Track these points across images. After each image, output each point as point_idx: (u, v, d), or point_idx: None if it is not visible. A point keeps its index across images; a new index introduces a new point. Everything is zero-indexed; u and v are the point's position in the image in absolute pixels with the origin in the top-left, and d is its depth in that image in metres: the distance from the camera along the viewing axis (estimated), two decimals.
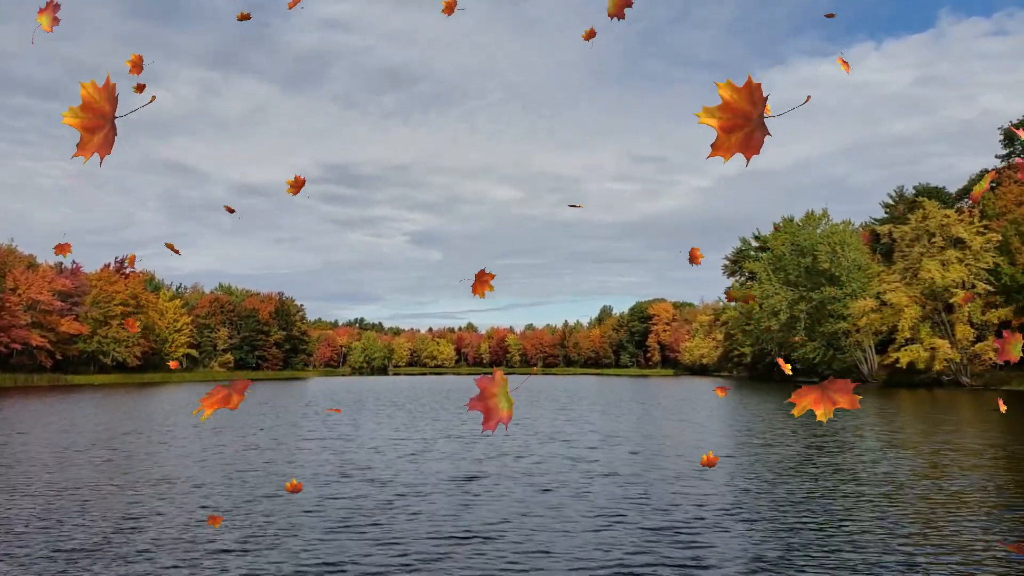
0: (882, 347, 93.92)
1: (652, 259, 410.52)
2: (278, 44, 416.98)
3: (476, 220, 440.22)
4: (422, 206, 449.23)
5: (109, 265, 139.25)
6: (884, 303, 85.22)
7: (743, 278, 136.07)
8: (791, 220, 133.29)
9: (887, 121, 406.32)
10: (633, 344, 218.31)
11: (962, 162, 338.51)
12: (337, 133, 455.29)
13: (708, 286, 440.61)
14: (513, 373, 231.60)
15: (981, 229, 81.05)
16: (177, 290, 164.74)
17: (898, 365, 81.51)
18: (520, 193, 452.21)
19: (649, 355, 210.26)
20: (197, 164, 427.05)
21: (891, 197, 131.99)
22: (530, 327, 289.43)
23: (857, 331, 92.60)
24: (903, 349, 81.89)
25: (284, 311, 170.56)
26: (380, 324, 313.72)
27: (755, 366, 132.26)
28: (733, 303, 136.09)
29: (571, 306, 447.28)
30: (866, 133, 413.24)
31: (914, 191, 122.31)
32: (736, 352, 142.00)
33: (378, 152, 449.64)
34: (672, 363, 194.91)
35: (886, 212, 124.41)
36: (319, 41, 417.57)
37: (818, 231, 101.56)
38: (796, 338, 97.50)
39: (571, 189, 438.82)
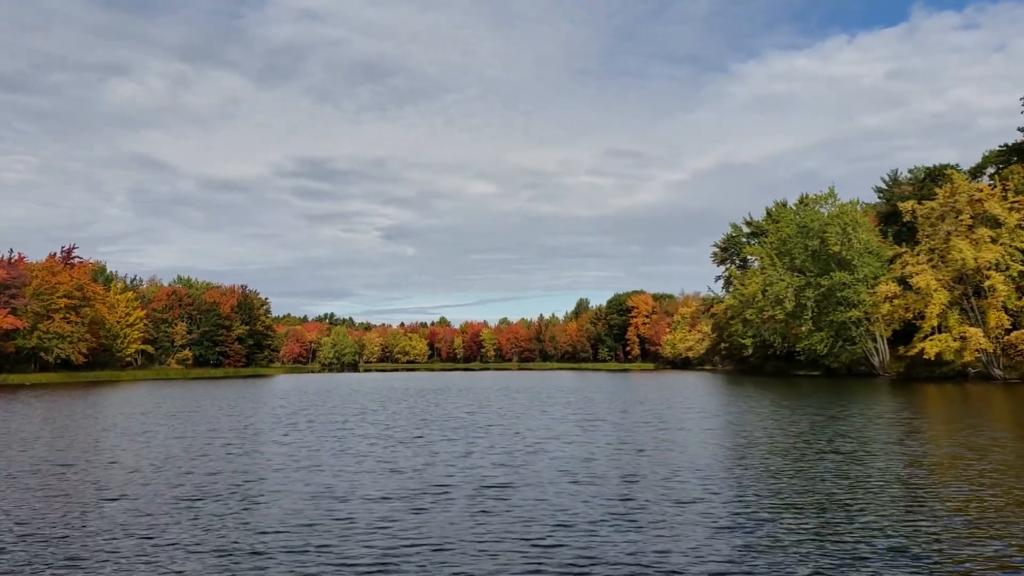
0: (896, 337, 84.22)
1: (626, 254, 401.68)
2: (251, 36, 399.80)
3: (451, 215, 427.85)
4: (396, 201, 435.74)
5: (55, 255, 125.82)
6: (908, 288, 75.39)
7: (733, 265, 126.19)
8: (784, 204, 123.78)
9: (859, 115, 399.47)
10: (611, 338, 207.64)
11: (932, 156, 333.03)
12: (311, 127, 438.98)
13: (684, 280, 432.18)
14: (488, 368, 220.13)
15: (1015, 204, 71.62)
16: (131, 282, 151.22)
17: (925, 356, 71.57)
18: (496, 188, 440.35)
19: (628, 348, 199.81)
20: (167, 158, 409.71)
21: (884, 181, 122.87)
22: (504, 321, 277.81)
23: (868, 319, 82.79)
24: (929, 339, 72.06)
25: (247, 305, 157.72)
26: (351, 319, 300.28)
27: (745, 359, 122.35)
28: (726, 292, 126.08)
29: (544, 301, 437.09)
30: (839, 127, 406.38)
31: (909, 174, 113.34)
32: (725, 345, 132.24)
33: (353, 146, 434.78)
34: (652, 357, 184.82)
35: (880, 197, 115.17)
36: (293, 33, 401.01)
37: (822, 210, 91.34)
38: (803, 328, 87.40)
39: (547, 184, 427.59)
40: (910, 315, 73.53)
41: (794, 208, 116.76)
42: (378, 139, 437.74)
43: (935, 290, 70.99)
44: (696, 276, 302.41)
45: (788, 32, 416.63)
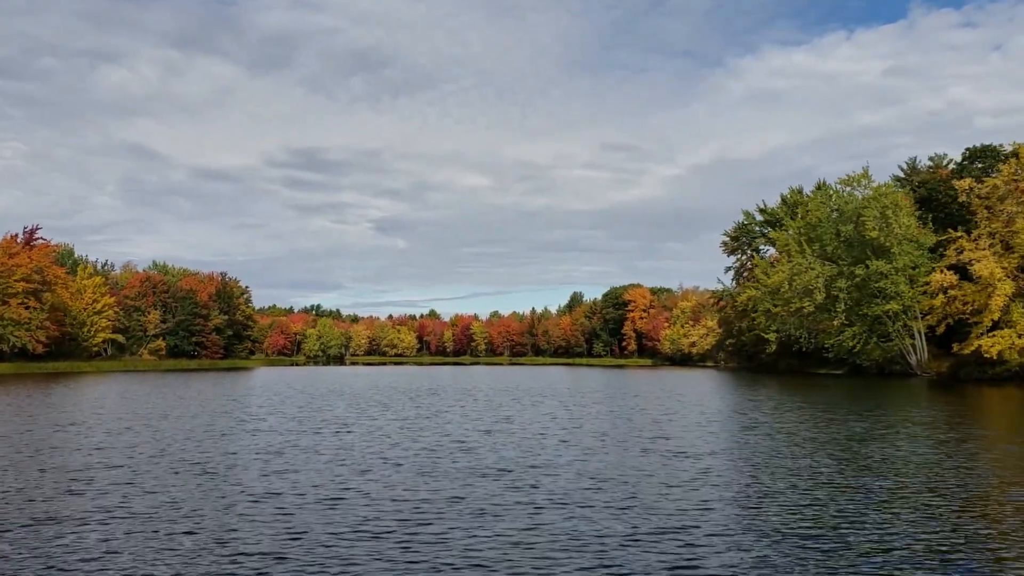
0: (933, 333, 74.45)
1: (619, 248, 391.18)
2: (244, 24, 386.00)
3: (443, 208, 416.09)
4: (388, 193, 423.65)
5: (16, 236, 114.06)
6: (964, 277, 65.37)
7: (744, 256, 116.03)
8: (800, 191, 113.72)
9: (856, 112, 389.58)
10: (607, 332, 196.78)
11: (928, 154, 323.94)
12: (304, 117, 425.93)
13: (679, 276, 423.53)
14: (479, 362, 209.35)
15: None
16: (102, 268, 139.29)
17: (985, 355, 61.51)
18: (489, 181, 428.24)
19: (624, 344, 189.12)
20: (158, 147, 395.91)
21: (903, 169, 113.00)
22: (496, 315, 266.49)
23: (906, 313, 72.84)
24: (991, 335, 62.08)
25: (226, 293, 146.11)
26: (337, 311, 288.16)
27: (754, 355, 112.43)
28: (736, 284, 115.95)
29: (535, 295, 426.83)
30: (836, 124, 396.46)
31: (930, 162, 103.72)
32: (732, 341, 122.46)
33: (345, 137, 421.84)
34: (650, 352, 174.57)
35: (898, 186, 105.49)
36: (286, 21, 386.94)
37: (856, 193, 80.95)
38: (834, 322, 77.08)
39: (542, 177, 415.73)
40: (968, 308, 63.49)
41: (811, 195, 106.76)
42: (371, 130, 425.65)
43: (999, 279, 61.02)
44: (691, 272, 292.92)
45: (787, 28, 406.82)
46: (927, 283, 70.06)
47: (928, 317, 68.23)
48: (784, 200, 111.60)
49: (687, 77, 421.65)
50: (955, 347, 64.97)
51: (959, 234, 65.66)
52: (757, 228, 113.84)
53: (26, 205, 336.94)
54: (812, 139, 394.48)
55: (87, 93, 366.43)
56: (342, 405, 34.45)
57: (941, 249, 73.17)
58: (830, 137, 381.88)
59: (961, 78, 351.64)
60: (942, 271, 65.85)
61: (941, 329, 66.23)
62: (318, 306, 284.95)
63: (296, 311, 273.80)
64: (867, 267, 74.13)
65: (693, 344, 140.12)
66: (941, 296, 65.28)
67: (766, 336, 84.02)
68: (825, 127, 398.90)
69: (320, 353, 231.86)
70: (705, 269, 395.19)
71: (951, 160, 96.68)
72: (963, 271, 66.12)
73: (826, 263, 78.92)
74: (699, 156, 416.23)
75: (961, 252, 64.60)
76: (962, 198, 66.73)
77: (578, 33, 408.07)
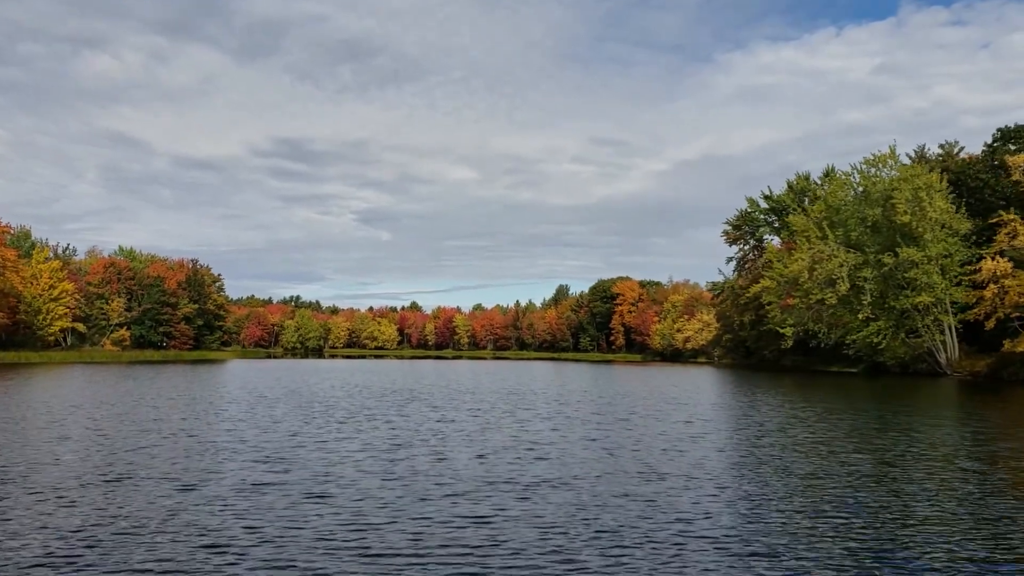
0: (971, 329, 66.04)
1: (605, 244, 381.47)
2: (231, 10, 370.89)
3: (428, 200, 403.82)
4: (373, 184, 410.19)
5: None
6: (1019, 267, 56.79)
7: (747, 246, 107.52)
8: (806, 177, 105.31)
9: (843, 110, 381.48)
10: (594, 326, 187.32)
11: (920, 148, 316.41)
12: (290, 106, 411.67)
13: (664, 271, 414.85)
14: (461, 356, 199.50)
15: None
16: (63, 252, 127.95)
17: None
18: (476, 173, 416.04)
19: (612, 338, 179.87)
20: (141, 136, 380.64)
21: (910, 158, 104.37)
22: (479, 308, 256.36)
23: (936, 307, 64.41)
24: None
25: (197, 281, 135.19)
26: (317, 302, 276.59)
27: (755, 351, 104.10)
28: (737, 275, 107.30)
29: (518, 289, 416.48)
30: (823, 121, 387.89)
31: (940, 149, 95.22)
32: (729, 336, 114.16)
33: (332, 127, 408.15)
34: (639, 347, 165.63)
35: None
36: (274, 8, 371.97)
37: (882, 174, 72.10)
38: (859, 315, 68.27)
39: (529, 171, 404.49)
40: (1023, 300, 54.90)
41: (820, 180, 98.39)
42: (358, 120, 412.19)
43: None
44: (676, 267, 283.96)
45: (776, 24, 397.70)
46: (961, 273, 61.70)
47: (974, 309, 59.46)
48: (791, 186, 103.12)
49: (676, 72, 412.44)
50: (1006, 344, 56.35)
51: (1012, 217, 56.93)
52: (761, 216, 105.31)
53: (5, 192, 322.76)
54: (799, 136, 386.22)
55: (69, 80, 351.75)
56: (293, 419, 24.74)
57: (975, 237, 64.87)
58: (817, 134, 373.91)
59: (948, 77, 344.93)
60: (993, 258, 57.08)
61: (991, 324, 57.55)
62: (297, 297, 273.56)
63: (275, 302, 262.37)
64: (896, 255, 65.37)
65: (687, 339, 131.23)
66: (992, 287, 56.54)
67: (782, 331, 74.99)
68: (812, 124, 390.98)
69: (298, 345, 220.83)
70: (690, 264, 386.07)
71: (962, 147, 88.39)
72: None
73: (850, 251, 70.10)
74: (687, 151, 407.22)
75: (1014, 237, 56.00)
76: (1015, 176, 58.04)
77: (568, 26, 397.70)
